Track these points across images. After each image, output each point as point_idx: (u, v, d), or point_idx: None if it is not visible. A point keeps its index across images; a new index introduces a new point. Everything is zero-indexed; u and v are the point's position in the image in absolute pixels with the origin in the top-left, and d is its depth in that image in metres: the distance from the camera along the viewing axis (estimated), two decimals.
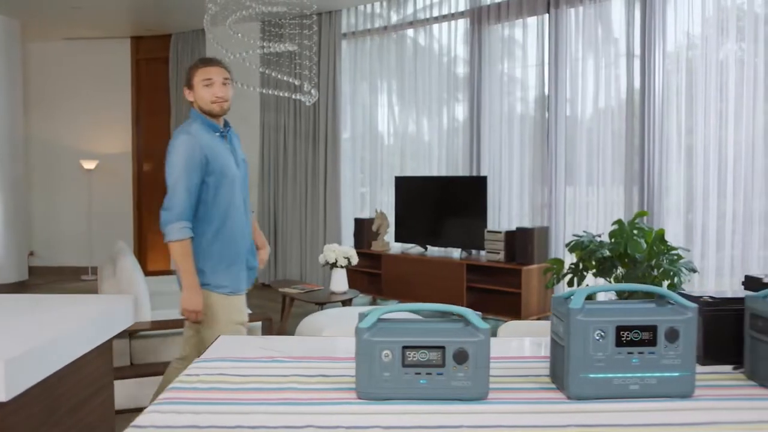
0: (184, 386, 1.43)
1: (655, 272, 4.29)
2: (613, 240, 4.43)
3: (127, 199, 8.80)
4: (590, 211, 5.44)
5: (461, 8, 6.24)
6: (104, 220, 8.65)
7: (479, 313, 1.39)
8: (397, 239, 6.51)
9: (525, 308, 5.21)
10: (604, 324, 1.32)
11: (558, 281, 4.70)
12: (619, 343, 1.32)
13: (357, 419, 1.22)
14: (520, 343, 1.81)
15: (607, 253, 4.38)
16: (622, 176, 5.20)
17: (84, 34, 8.38)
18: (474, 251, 5.96)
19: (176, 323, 3.95)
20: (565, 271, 4.65)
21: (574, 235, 4.72)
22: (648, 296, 1.43)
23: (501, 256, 5.46)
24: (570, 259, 4.75)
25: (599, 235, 4.59)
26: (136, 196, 8.81)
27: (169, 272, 7.68)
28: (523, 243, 5.33)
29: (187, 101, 2.76)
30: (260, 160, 7.78)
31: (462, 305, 5.60)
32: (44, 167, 8.76)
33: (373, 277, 6.35)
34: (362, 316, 1.37)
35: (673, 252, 4.34)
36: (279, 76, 5.72)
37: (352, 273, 6.56)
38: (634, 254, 4.33)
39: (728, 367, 1.55)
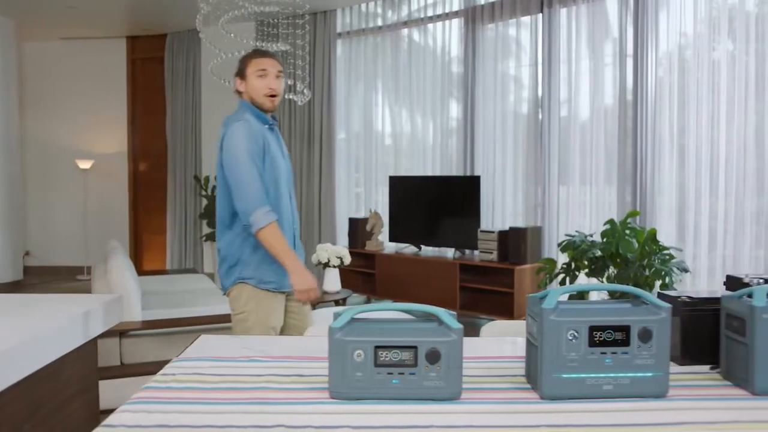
0: (159, 386, 1.43)
1: (647, 272, 4.29)
2: (604, 240, 4.43)
3: (123, 198, 8.80)
4: (584, 210, 5.44)
5: (455, 8, 6.24)
6: (100, 219, 8.65)
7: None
8: (392, 239, 6.51)
9: (518, 308, 5.21)
10: (577, 324, 1.32)
11: (551, 281, 4.71)
12: (592, 343, 1.32)
13: (327, 419, 1.22)
14: (499, 343, 1.81)
15: (598, 253, 4.38)
16: (615, 176, 5.20)
17: (80, 34, 8.38)
18: (468, 251, 5.95)
19: (167, 323, 3.95)
20: (557, 271, 4.65)
21: (567, 235, 4.72)
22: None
23: (494, 256, 5.46)
24: (563, 259, 4.75)
25: (591, 235, 4.59)
26: (131, 196, 8.81)
27: (164, 272, 7.69)
28: (516, 243, 5.33)
29: (234, 92, 2.65)
30: None
31: (455, 305, 5.64)
32: (40, 167, 8.76)
33: (368, 276, 6.35)
34: (336, 316, 1.37)
35: (665, 252, 4.33)
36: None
37: (347, 273, 6.55)
38: (626, 254, 4.33)
39: (706, 367, 1.55)
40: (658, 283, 4.30)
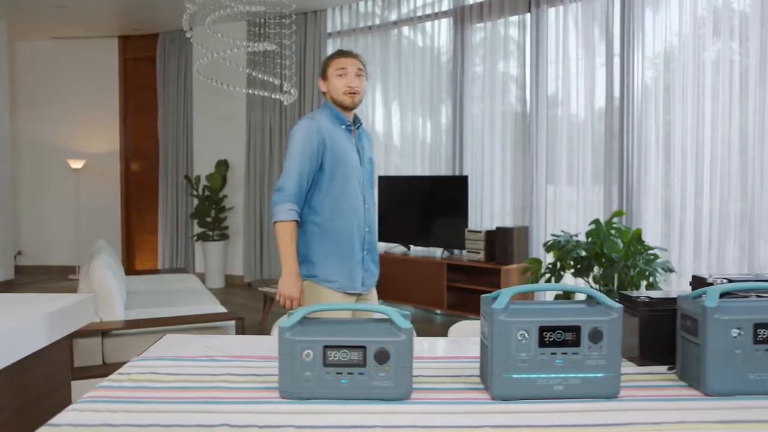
0: (113, 385, 1.43)
1: (632, 272, 4.29)
2: (589, 240, 4.42)
3: (115, 198, 8.79)
4: (571, 210, 5.43)
5: (444, 8, 6.23)
6: (92, 219, 8.64)
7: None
8: (381, 239, 6.50)
9: None
10: (527, 324, 1.31)
11: (537, 281, 4.70)
12: (543, 343, 1.32)
13: (273, 418, 1.22)
14: (463, 343, 1.80)
15: (583, 253, 4.37)
16: (602, 176, 5.19)
17: (71, 34, 8.36)
18: (456, 251, 5.95)
19: (151, 322, 3.94)
20: (543, 271, 4.65)
21: (552, 235, 4.72)
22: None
23: (481, 256, 5.45)
24: (549, 259, 4.74)
25: (576, 235, 4.59)
26: (123, 195, 8.80)
27: (154, 271, 7.68)
28: (503, 243, 5.32)
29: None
30: (246, 160, 7.77)
31: (443, 305, 5.64)
32: (32, 166, 8.75)
33: None
34: (289, 315, 1.37)
35: (650, 252, 4.33)
36: (260, 76, 5.71)
37: None
38: (611, 254, 4.33)
39: (664, 368, 1.54)
40: (643, 283, 4.30)
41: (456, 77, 6.07)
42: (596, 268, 4.48)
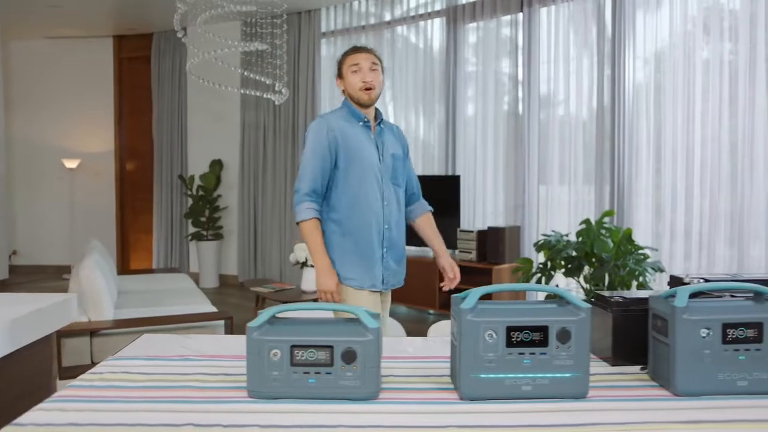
0: (83, 384, 1.43)
1: (622, 272, 4.29)
2: (579, 239, 4.42)
3: (110, 197, 8.79)
4: (563, 210, 5.43)
5: (438, 7, 6.23)
6: (87, 218, 8.64)
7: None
8: None
9: None
10: (495, 324, 1.31)
11: (528, 281, 4.70)
12: (510, 343, 1.31)
13: (238, 417, 1.22)
14: (440, 343, 1.80)
15: (573, 252, 4.37)
16: (595, 175, 5.19)
17: (66, 33, 8.36)
18: (448, 250, 5.93)
19: (139, 322, 3.94)
20: (533, 270, 4.65)
21: (543, 235, 4.72)
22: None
23: (473, 256, 5.45)
24: (541, 258, 4.74)
25: (566, 235, 4.59)
26: (118, 195, 8.79)
27: (147, 271, 7.68)
28: (494, 242, 5.32)
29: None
30: (240, 159, 7.77)
31: (435, 304, 5.64)
32: (26, 166, 8.74)
33: None
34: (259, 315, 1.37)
35: (640, 252, 4.33)
36: (252, 76, 5.71)
37: None
38: (601, 254, 4.33)
39: (637, 368, 1.54)
40: (634, 283, 4.30)
41: (449, 77, 6.07)
42: (587, 268, 4.48)
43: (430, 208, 2.84)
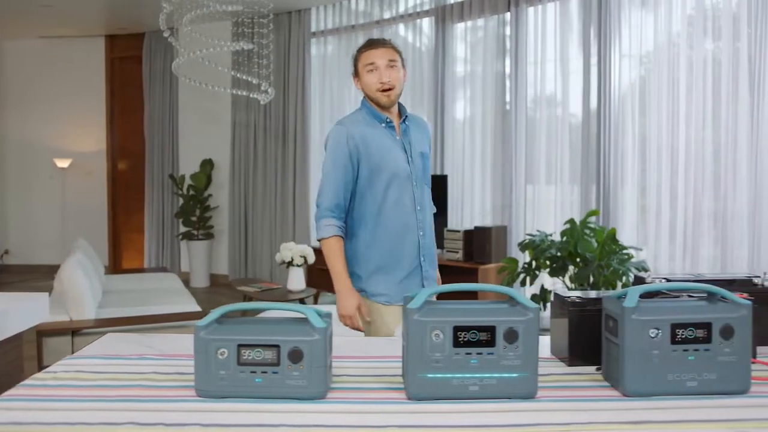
0: (35, 383, 1.43)
1: (606, 272, 4.29)
2: (564, 239, 4.42)
3: (102, 197, 8.78)
4: (550, 210, 5.43)
5: (426, 7, 6.24)
6: (79, 218, 8.63)
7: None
8: None
9: None
10: (441, 324, 1.31)
11: (513, 281, 4.70)
12: (457, 343, 1.31)
13: (181, 416, 1.22)
14: (400, 343, 1.80)
15: (557, 252, 4.38)
16: (581, 175, 5.19)
17: (58, 33, 8.35)
18: (438, 250, 5.93)
19: (122, 321, 3.94)
20: (518, 270, 4.65)
21: (528, 235, 4.72)
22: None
23: (460, 255, 5.45)
24: (527, 258, 4.74)
25: (551, 235, 4.59)
26: (110, 195, 8.79)
27: (136, 270, 7.69)
28: (481, 242, 5.32)
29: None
30: (231, 159, 7.77)
31: None
32: (18, 166, 8.74)
33: None
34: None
35: (624, 252, 4.33)
36: (239, 75, 5.71)
37: (318, 272, 6.54)
38: (585, 254, 4.33)
39: (593, 368, 1.54)
40: (619, 283, 4.30)
41: (437, 76, 6.07)
42: (572, 268, 4.49)
43: (434, 208, 2.62)
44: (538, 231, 4.68)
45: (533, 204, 5.52)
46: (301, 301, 5.15)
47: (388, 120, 2.35)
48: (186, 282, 7.78)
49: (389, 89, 2.30)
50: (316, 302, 6.53)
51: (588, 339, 1.56)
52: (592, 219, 4.58)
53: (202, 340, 1.31)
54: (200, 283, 7.69)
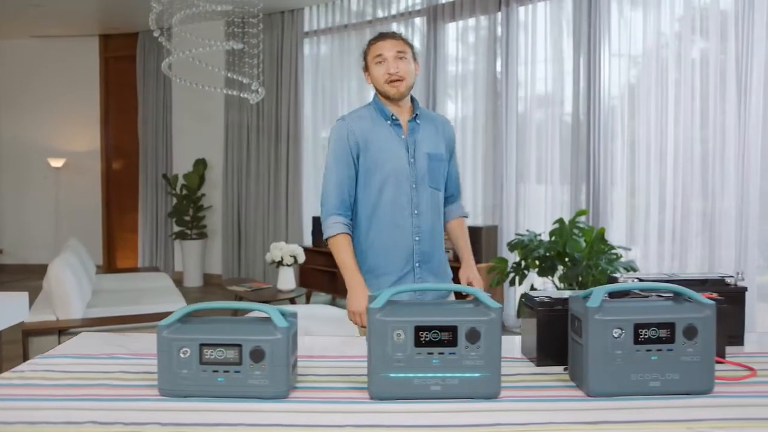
0: (2, 383, 1.43)
1: (594, 271, 4.29)
2: (552, 239, 4.42)
3: (96, 196, 8.78)
4: (540, 209, 5.43)
5: (418, 6, 6.24)
6: (73, 217, 8.64)
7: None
8: None
9: None
10: (403, 324, 1.31)
11: (503, 280, 4.70)
12: (419, 343, 1.32)
13: (141, 415, 1.22)
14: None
15: (546, 252, 4.38)
16: (571, 175, 5.19)
17: (52, 32, 8.35)
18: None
19: (108, 320, 3.95)
20: (508, 269, 4.65)
21: (517, 234, 4.72)
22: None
23: (450, 255, 5.43)
24: (516, 258, 4.74)
25: (539, 234, 4.59)
26: (104, 194, 8.79)
27: (128, 270, 7.69)
28: (471, 241, 5.30)
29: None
30: (224, 159, 7.77)
31: None
32: (12, 165, 8.74)
33: (330, 275, 6.35)
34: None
35: (612, 252, 4.33)
36: (230, 75, 5.71)
37: (311, 272, 6.56)
38: (573, 253, 4.33)
39: (561, 368, 1.54)
40: None
41: (429, 76, 6.07)
42: (561, 268, 4.49)
43: (466, 212, 2.51)
44: (527, 231, 4.68)
45: (524, 203, 5.52)
46: (292, 301, 5.16)
47: (393, 117, 2.28)
48: (179, 282, 7.79)
49: (397, 80, 2.23)
50: (308, 302, 6.53)
51: (556, 339, 1.56)
52: (582, 219, 4.58)
53: (165, 340, 1.31)
54: (193, 282, 7.69)
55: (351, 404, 1.30)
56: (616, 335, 1.35)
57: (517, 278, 4.60)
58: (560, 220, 4.46)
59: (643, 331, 1.36)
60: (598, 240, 4.36)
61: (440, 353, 1.32)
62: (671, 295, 1.47)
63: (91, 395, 1.33)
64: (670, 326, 1.36)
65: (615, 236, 4.86)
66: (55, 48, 8.57)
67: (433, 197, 2.29)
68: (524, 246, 4.49)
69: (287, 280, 5.05)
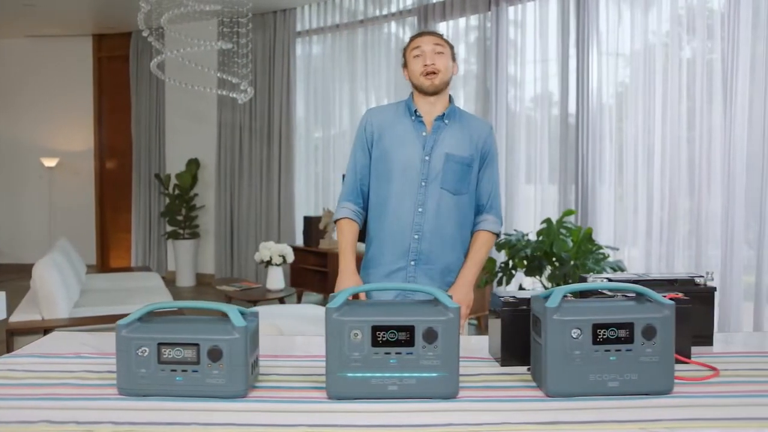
0: None
1: (581, 271, 4.29)
2: (540, 238, 4.43)
3: (90, 196, 8.79)
4: (529, 209, 5.43)
5: (409, 6, 6.25)
6: (66, 217, 8.65)
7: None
8: None
9: None
10: (360, 324, 1.32)
11: (491, 280, 4.71)
12: (376, 343, 1.32)
13: (96, 414, 1.22)
14: None
15: (532, 252, 4.38)
16: (559, 175, 5.19)
17: (45, 32, 8.35)
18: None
19: (93, 320, 3.95)
20: (496, 269, 4.65)
21: (504, 234, 4.72)
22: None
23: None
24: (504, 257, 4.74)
25: (527, 234, 4.60)
26: (98, 194, 8.80)
27: (123, 269, 7.69)
28: None
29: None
30: (217, 159, 7.77)
31: None
32: (5, 165, 8.75)
33: (321, 275, 6.36)
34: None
35: (600, 251, 4.34)
36: (220, 75, 5.71)
37: (301, 271, 6.56)
38: (560, 253, 4.33)
39: (525, 368, 1.54)
40: None
41: None
42: (549, 268, 4.49)
43: (494, 228, 2.33)
44: (515, 230, 4.68)
45: (513, 203, 5.52)
46: (281, 300, 5.16)
47: (417, 113, 2.26)
48: (172, 281, 7.80)
49: (433, 72, 2.22)
50: (299, 302, 6.54)
51: (521, 339, 1.56)
52: (570, 219, 4.59)
53: (123, 339, 1.31)
54: (186, 282, 7.70)
55: (308, 404, 1.30)
56: (574, 335, 1.36)
57: (504, 278, 4.60)
58: (548, 220, 4.46)
59: (602, 331, 1.36)
60: (586, 240, 4.37)
61: (397, 353, 1.32)
62: (634, 295, 1.47)
63: (48, 394, 1.34)
64: (629, 326, 1.36)
65: (604, 236, 4.86)
66: (48, 48, 8.58)
67: (445, 199, 2.24)
68: (512, 246, 4.50)
69: (276, 279, 5.06)
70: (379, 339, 1.31)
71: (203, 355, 1.30)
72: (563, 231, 4.41)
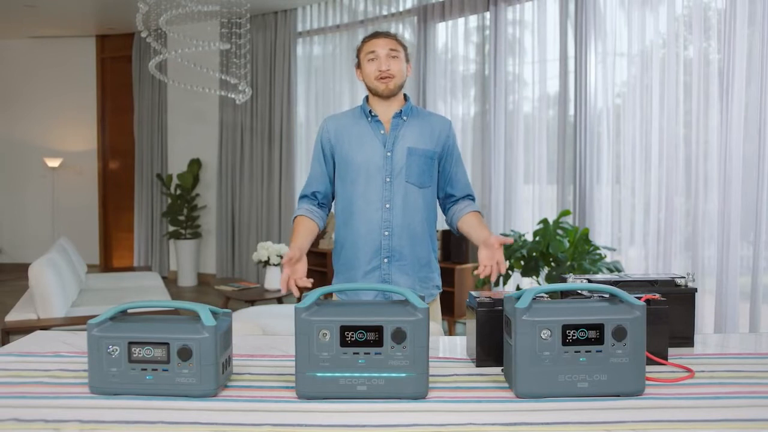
0: None
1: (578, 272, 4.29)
2: (536, 239, 4.42)
3: (93, 196, 8.84)
4: (527, 209, 5.42)
5: (409, 6, 6.25)
6: (70, 217, 8.69)
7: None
8: None
9: (458, 307, 5.21)
10: (329, 324, 1.32)
11: (486, 281, 4.70)
12: (344, 343, 1.32)
13: (64, 413, 1.23)
14: None
15: (528, 252, 4.38)
16: (557, 175, 5.18)
17: (48, 33, 8.40)
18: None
19: (87, 319, 3.98)
20: None
21: (502, 234, 4.72)
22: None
23: (437, 255, 5.45)
24: None
25: (524, 234, 4.59)
26: (101, 194, 8.84)
27: (124, 269, 7.73)
28: (457, 242, 5.32)
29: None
30: (218, 159, 7.80)
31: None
32: (8, 165, 8.81)
33: (321, 275, 6.36)
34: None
35: (596, 252, 4.33)
36: (218, 75, 5.73)
37: None
38: (557, 253, 4.33)
39: (499, 369, 1.54)
40: None
41: (419, 75, 6.08)
42: (545, 268, 4.49)
43: (477, 208, 2.35)
44: (512, 231, 4.68)
45: (512, 203, 5.51)
46: (279, 300, 5.17)
47: (372, 113, 2.28)
48: (174, 281, 7.83)
49: (387, 77, 2.24)
50: (299, 302, 6.55)
51: (495, 340, 1.56)
52: (568, 219, 4.58)
53: (94, 338, 1.32)
54: (188, 282, 7.72)
55: (276, 403, 1.31)
56: (544, 336, 1.36)
57: (501, 279, 4.60)
58: (544, 221, 4.46)
59: (572, 332, 1.36)
60: (582, 240, 4.36)
61: (366, 353, 1.32)
62: (607, 296, 1.47)
63: (19, 393, 1.35)
64: (599, 327, 1.36)
65: (602, 236, 4.85)
66: (51, 48, 8.63)
67: (411, 194, 2.25)
68: (508, 246, 4.49)
69: (274, 279, 5.07)
70: (347, 339, 1.32)
71: (173, 354, 1.31)
72: (560, 231, 4.41)
